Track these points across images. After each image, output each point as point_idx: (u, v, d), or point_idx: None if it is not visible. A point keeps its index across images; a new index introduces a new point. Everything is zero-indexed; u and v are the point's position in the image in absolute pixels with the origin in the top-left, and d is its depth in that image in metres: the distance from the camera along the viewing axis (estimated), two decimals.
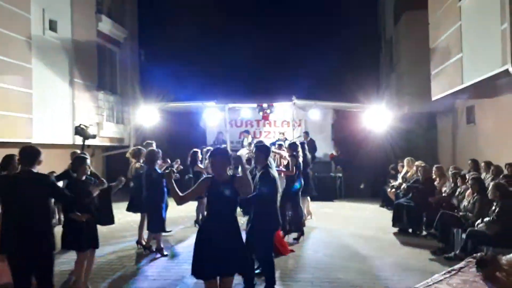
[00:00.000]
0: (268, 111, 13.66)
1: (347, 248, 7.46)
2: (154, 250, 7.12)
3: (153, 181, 6.92)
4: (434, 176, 8.98)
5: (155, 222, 7.00)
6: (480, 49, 8.49)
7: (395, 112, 14.41)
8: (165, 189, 7.11)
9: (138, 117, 14.25)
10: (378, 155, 15.70)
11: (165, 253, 7.07)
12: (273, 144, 11.19)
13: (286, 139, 13.85)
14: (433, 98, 11.28)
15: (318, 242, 7.88)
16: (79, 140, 8.78)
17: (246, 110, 14.77)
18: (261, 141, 7.94)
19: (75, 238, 5.00)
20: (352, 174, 14.81)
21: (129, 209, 7.70)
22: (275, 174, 5.31)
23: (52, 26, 11.41)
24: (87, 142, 8.67)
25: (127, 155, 7.90)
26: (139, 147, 7.71)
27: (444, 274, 3.71)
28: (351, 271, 6.16)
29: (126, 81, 15.81)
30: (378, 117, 13.61)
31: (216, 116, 14.48)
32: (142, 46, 16.86)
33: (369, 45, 18.59)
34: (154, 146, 8.06)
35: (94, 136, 6.94)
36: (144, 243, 7.27)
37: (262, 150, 5.37)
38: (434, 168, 9.14)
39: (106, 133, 13.91)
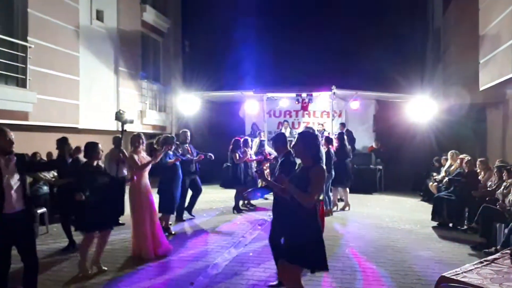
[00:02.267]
0: (306, 100, 13.45)
1: (380, 240, 7.28)
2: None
3: (164, 164, 7.31)
4: (478, 170, 8.58)
5: (166, 203, 7.37)
6: None
7: (441, 103, 13.85)
8: (181, 173, 7.62)
9: (180, 106, 14.56)
10: (421, 147, 15.17)
11: (173, 232, 7.46)
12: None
13: (324, 130, 13.65)
14: (481, 88, 10.71)
15: (351, 233, 7.75)
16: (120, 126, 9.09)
17: (285, 100, 14.66)
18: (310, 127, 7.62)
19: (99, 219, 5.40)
20: (393, 167, 14.39)
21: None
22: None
23: (99, 15, 11.86)
24: (127, 127, 8.97)
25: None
26: (166, 135, 7.92)
27: (476, 264, 3.53)
28: (383, 262, 6.02)
29: (169, 70, 16.16)
30: (422, 108, 13.14)
31: (254, 106, 14.48)
32: (185, 36, 17.15)
33: (415, 34, 17.85)
34: (188, 134, 8.28)
35: (131, 121, 7.10)
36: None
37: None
38: (478, 162, 8.72)
39: (149, 120, 14.32)
